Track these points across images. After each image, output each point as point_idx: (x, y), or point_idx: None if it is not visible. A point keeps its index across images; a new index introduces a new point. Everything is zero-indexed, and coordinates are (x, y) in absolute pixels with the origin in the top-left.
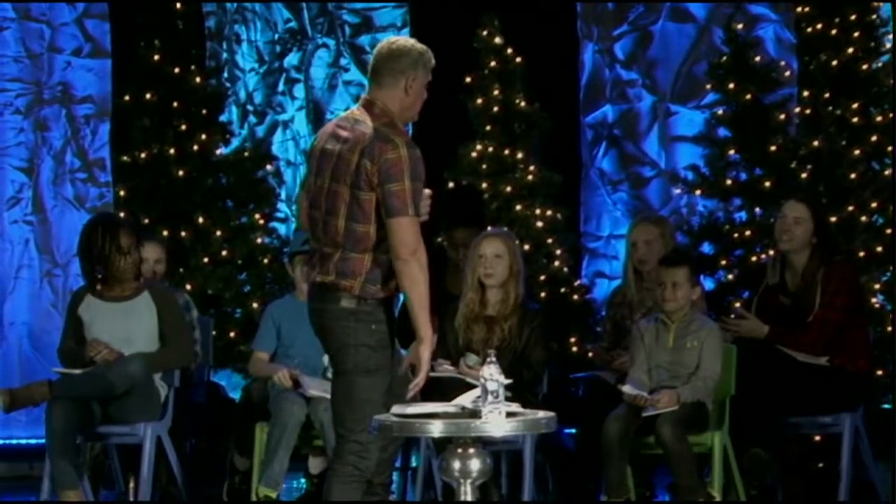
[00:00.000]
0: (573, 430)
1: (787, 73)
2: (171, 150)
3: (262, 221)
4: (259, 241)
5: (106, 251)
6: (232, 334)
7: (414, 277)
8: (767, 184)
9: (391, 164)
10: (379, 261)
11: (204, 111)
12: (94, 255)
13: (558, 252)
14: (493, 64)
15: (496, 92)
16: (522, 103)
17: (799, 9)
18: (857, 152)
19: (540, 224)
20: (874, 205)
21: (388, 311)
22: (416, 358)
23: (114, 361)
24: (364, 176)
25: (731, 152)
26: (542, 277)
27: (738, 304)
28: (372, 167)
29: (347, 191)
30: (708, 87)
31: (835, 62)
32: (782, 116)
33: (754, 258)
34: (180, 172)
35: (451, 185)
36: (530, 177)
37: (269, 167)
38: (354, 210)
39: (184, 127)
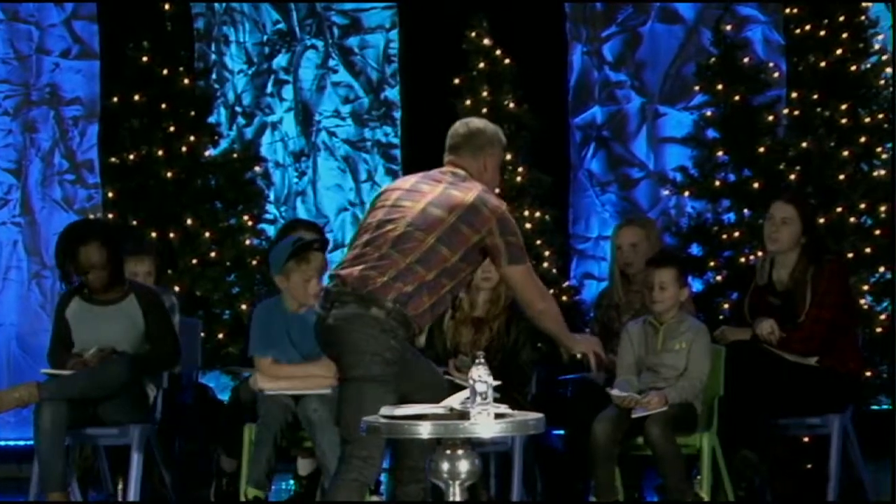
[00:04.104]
0: (562, 432)
1: (776, 75)
2: (160, 152)
3: (250, 223)
4: (247, 242)
5: (70, 271)
6: (220, 336)
7: (554, 316)
8: (756, 185)
9: (507, 220)
10: (434, 284)
11: (192, 113)
12: (64, 273)
13: (547, 253)
14: (481, 65)
15: (485, 93)
16: (511, 104)
17: (787, 10)
18: (845, 153)
19: (529, 225)
20: (863, 206)
21: (406, 334)
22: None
23: (101, 363)
24: (477, 216)
25: (720, 153)
26: None
27: (726, 306)
28: (490, 214)
29: (451, 220)
30: (696, 88)
31: (823, 63)
32: (771, 118)
33: (743, 259)
34: (169, 174)
35: None
36: (519, 178)
37: (257, 168)
38: (450, 236)
39: (172, 128)
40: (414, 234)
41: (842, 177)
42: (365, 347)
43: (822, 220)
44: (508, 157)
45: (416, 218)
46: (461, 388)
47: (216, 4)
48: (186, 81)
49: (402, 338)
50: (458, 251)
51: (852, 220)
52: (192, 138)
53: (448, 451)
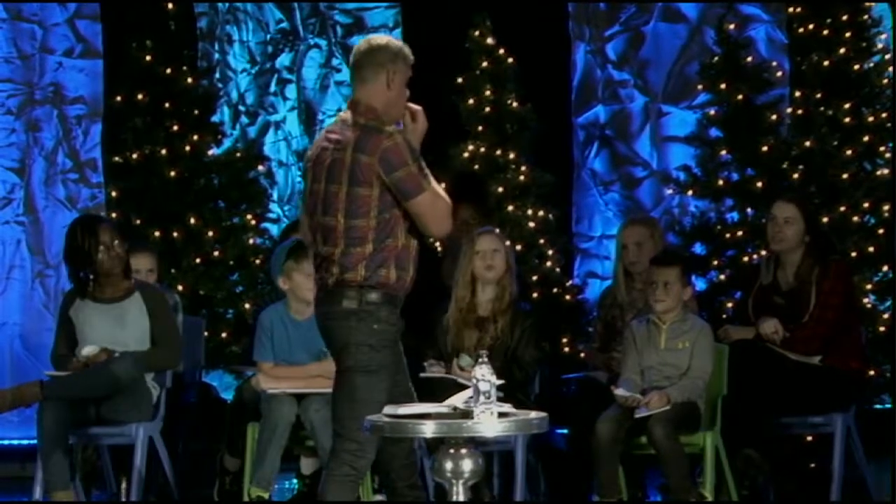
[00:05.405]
0: (565, 431)
1: (779, 74)
2: (163, 151)
3: (253, 222)
4: (251, 241)
5: (88, 249)
6: (224, 335)
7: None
8: (759, 184)
9: (390, 152)
10: (379, 248)
11: (196, 112)
12: (79, 255)
13: (550, 252)
14: (484, 64)
15: (488, 92)
16: (514, 103)
17: (791, 9)
18: (848, 152)
19: (532, 224)
20: (866, 205)
21: (391, 312)
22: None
23: (104, 362)
24: (361, 171)
25: (723, 153)
26: (535, 278)
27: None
28: (370, 160)
29: (344, 189)
30: (700, 87)
31: (826, 62)
32: (774, 117)
33: (746, 258)
34: (172, 173)
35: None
36: (522, 177)
37: (260, 168)
38: (352, 207)
39: (175, 127)
40: (328, 221)
41: (845, 176)
42: (348, 340)
43: (825, 220)
44: (511, 155)
45: (322, 203)
46: (465, 387)
47: (219, 4)
48: (190, 81)
49: (385, 318)
50: (371, 212)
51: (855, 219)
52: (195, 137)
53: (451, 451)
